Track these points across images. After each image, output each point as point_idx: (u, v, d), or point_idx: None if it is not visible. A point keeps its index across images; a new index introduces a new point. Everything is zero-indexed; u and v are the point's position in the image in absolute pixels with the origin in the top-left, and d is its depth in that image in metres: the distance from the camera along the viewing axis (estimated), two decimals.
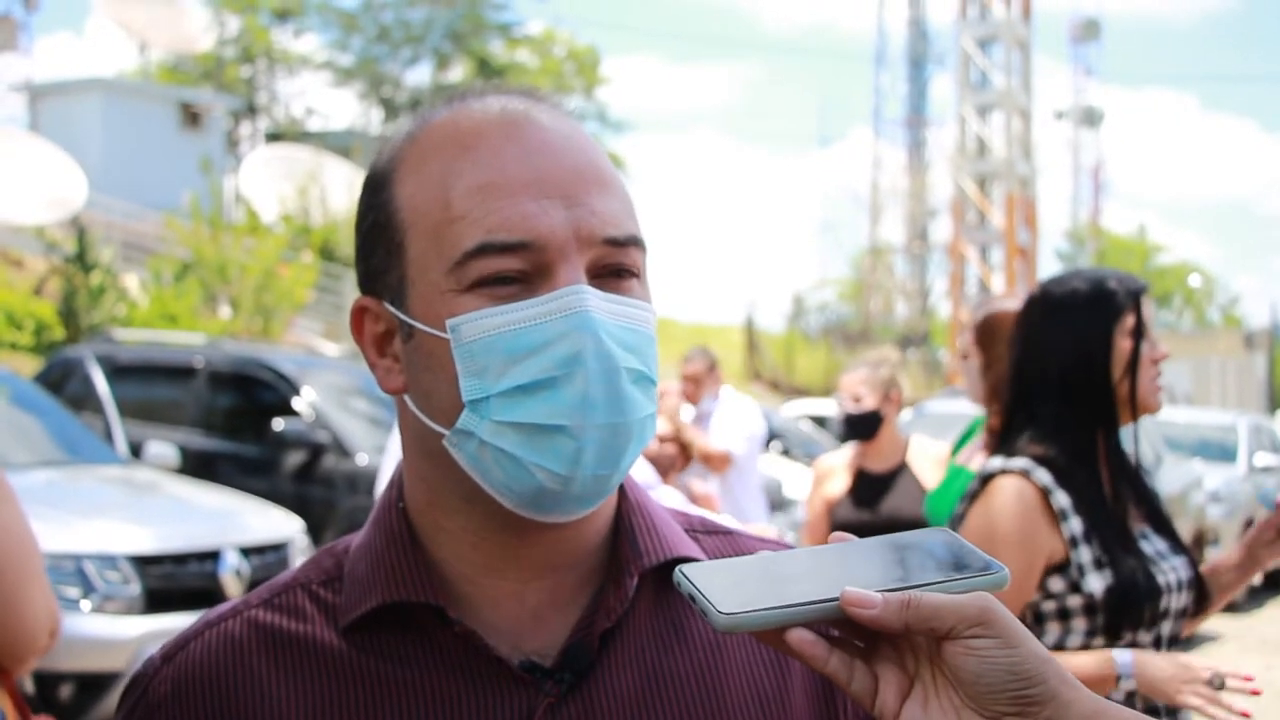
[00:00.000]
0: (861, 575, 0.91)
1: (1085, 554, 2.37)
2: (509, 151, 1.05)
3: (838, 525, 4.40)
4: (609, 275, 1.06)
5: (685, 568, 0.93)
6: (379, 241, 1.09)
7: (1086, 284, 2.49)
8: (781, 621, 0.89)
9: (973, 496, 2.49)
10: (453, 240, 1.03)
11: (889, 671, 0.90)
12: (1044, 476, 2.41)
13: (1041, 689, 0.87)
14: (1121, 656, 2.28)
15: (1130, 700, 2.29)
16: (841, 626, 0.91)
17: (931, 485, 4.38)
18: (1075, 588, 2.37)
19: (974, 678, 0.87)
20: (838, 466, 4.73)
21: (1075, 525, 2.38)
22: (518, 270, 1.03)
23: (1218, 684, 2.22)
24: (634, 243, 1.07)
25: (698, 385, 6.95)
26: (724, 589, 0.90)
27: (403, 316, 1.07)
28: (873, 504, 4.49)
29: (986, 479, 2.47)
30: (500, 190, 1.03)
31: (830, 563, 0.94)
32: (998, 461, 2.48)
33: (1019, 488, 2.41)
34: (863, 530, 0.93)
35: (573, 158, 1.06)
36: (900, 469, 4.55)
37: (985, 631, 0.87)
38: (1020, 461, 2.44)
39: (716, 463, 6.55)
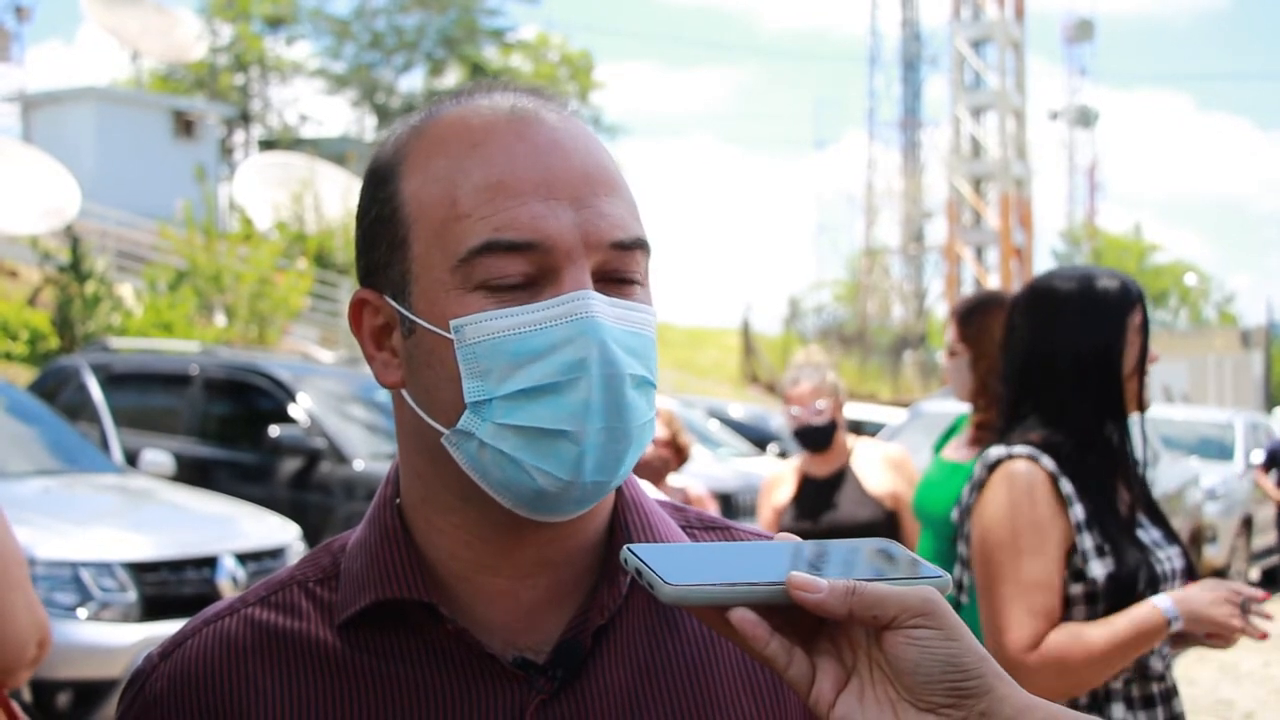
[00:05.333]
0: (807, 565, 0.92)
1: (1088, 540, 2.37)
2: (519, 150, 1.04)
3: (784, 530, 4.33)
4: (614, 279, 1.05)
5: (634, 546, 0.94)
6: (382, 236, 1.08)
7: (1108, 278, 2.51)
8: (726, 599, 0.89)
9: (980, 485, 2.49)
10: (458, 237, 1.02)
11: (826, 664, 0.91)
12: (1049, 462, 2.42)
13: (978, 682, 0.88)
14: (1162, 601, 2.30)
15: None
16: (783, 615, 0.91)
17: (877, 487, 4.33)
18: (1079, 575, 2.37)
19: (912, 667, 0.87)
20: (785, 474, 4.63)
21: (1079, 511, 2.39)
22: (523, 271, 1.02)
23: (1246, 607, 2.30)
24: (640, 246, 1.06)
25: None
26: (671, 566, 0.91)
27: (404, 312, 1.06)
28: (815, 511, 4.39)
29: (992, 466, 2.47)
30: (509, 189, 1.02)
31: (779, 554, 0.95)
32: (1000, 448, 2.48)
33: (1030, 472, 2.41)
34: (806, 537, 0.96)
35: (581, 159, 1.05)
36: (842, 472, 4.43)
37: (927, 622, 0.88)
38: (1024, 447, 2.44)
39: None
